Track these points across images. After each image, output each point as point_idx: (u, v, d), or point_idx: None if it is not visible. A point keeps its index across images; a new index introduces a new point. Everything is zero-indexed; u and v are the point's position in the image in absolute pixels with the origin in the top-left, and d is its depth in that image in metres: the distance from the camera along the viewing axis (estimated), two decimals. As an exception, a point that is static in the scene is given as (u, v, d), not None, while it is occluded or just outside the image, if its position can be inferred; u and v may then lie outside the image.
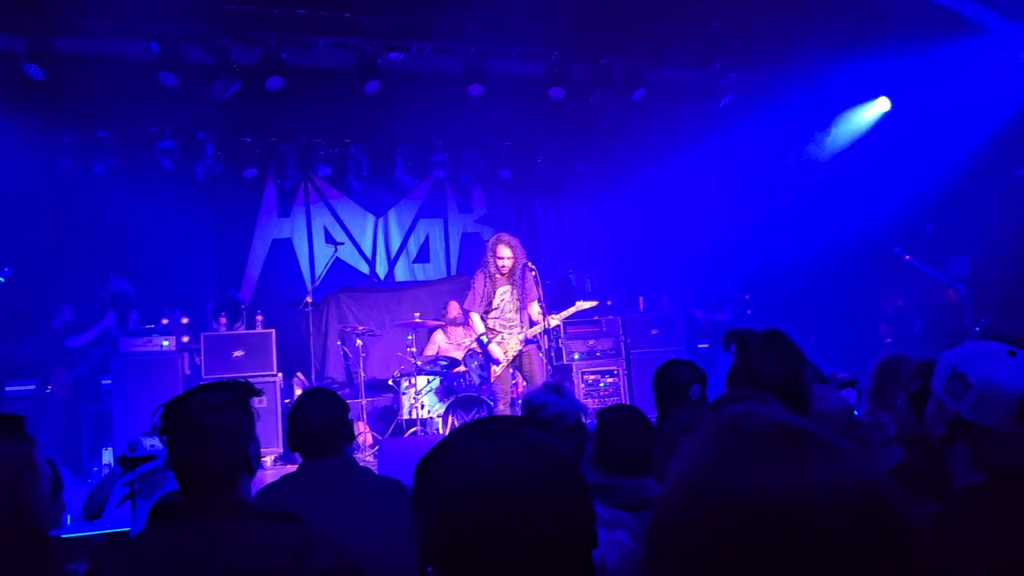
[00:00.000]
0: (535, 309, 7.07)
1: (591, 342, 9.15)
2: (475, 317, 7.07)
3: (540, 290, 7.13)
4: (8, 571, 1.95)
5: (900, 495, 0.72)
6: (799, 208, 9.66)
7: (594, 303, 7.52)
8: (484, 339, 7.01)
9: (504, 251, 6.92)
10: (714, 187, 10.22)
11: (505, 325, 7.01)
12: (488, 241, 7.30)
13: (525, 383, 6.99)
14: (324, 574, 1.68)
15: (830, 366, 3.77)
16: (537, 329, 6.96)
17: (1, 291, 6.53)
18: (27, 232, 7.64)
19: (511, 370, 7.12)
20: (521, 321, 6.96)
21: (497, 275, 6.95)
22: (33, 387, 7.87)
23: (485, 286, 7.00)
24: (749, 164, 10.03)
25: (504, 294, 7.01)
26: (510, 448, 1.01)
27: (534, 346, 7.00)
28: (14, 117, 7.46)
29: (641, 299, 9.80)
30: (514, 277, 6.93)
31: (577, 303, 7.36)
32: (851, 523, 0.69)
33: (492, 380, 7.13)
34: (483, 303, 7.00)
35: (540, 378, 6.86)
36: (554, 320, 7.13)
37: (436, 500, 1.01)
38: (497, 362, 7.00)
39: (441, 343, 8.73)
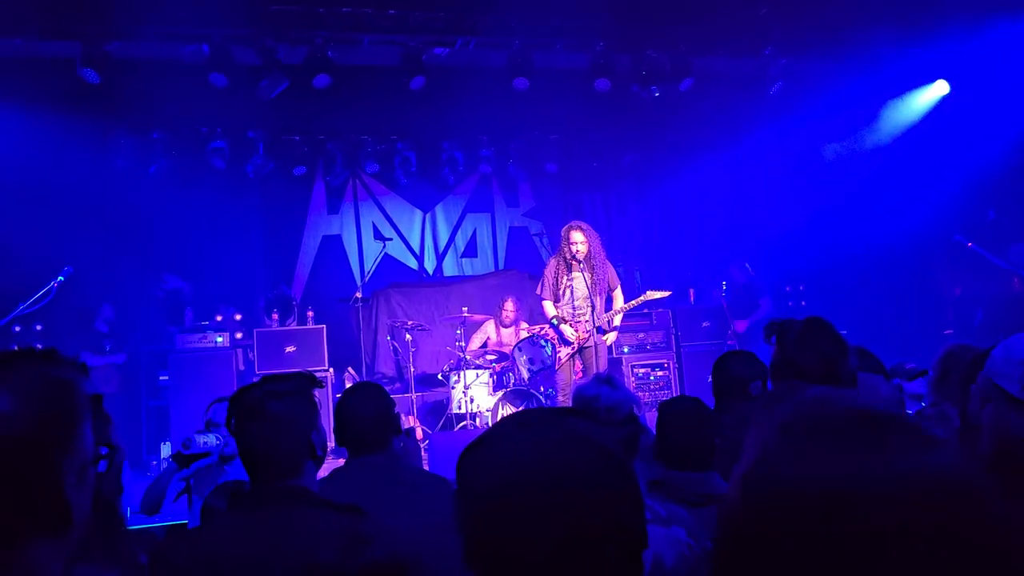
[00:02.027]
0: (619, 295, 7.10)
1: (641, 335, 9.08)
2: (547, 303, 7.11)
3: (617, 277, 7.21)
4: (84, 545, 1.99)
5: (994, 490, 0.67)
6: (856, 196, 9.43)
7: (666, 293, 7.42)
8: (555, 321, 7.01)
9: (577, 236, 6.88)
10: (766, 176, 10.03)
11: (572, 313, 6.98)
12: (560, 231, 7.27)
13: (583, 372, 6.94)
14: (377, 566, 1.67)
15: (890, 357, 3.66)
16: (612, 314, 6.97)
17: (61, 290, 6.71)
18: (85, 232, 7.84)
19: (574, 361, 7.07)
20: (593, 307, 6.90)
21: (572, 262, 6.92)
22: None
23: (556, 273, 7.02)
24: (802, 152, 9.82)
25: (573, 281, 6.97)
26: (551, 439, 0.99)
27: (602, 337, 6.99)
28: (72, 120, 7.67)
29: (691, 291, 9.67)
30: (589, 263, 6.89)
31: (647, 292, 7.28)
32: (935, 516, 0.64)
33: (557, 368, 7.11)
34: (552, 291, 7.03)
35: (602, 367, 6.92)
36: (617, 315, 7.11)
37: (475, 491, 0.99)
38: (569, 343, 6.96)
39: (491, 334, 8.72)
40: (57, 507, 1.08)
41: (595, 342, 6.82)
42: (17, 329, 7.58)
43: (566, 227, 7.04)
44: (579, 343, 6.95)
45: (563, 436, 0.99)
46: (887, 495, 0.65)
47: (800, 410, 0.75)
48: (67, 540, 1.10)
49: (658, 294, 7.28)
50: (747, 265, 9.09)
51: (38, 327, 7.94)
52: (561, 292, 7.00)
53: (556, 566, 0.92)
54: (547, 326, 7.23)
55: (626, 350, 8.87)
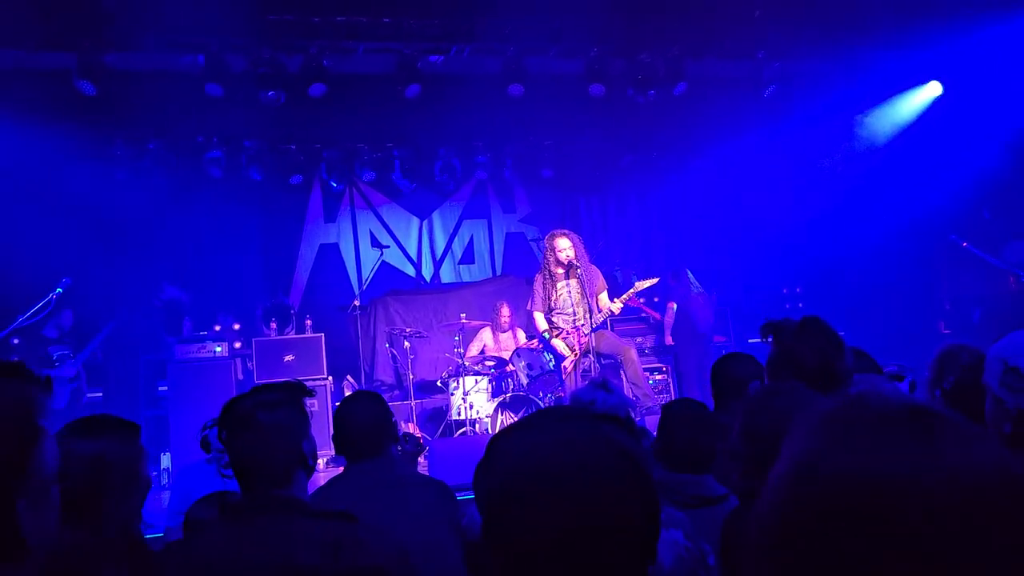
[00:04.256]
0: (605, 298, 7.16)
1: (639, 339, 9.09)
2: (538, 316, 7.21)
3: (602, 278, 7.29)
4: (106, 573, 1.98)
5: None
6: (851, 197, 9.46)
7: (654, 280, 7.49)
8: (546, 335, 7.11)
9: (562, 243, 7.01)
10: (762, 179, 10.06)
11: (567, 321, 7.08)
12: (543, 239, 7.43)
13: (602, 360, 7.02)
14: (359, 571, 1.67)
15: (886, 358, 3.67)
16: (601, 317, 7.05)
17: (60, 302, 6.72)
18: (83, 243, 7.84)
19: (576, 366, 7.14)
20: (588, 311, 6.97)
21: (557, 269, 7.02)
22: (101, 394, 8.05)
23: (544, 285, 7.12)
24: (797, 154, 9.86)
25: (563, 289, 7.08)
26: (584, 438, 1.01)
27: (603, 329, 7.09)
28: (70, 132, 7.68)
29: (688, 295, 9.68)
30: (576, 270, 6.97)
31: (636, 283, 7.34)
32: (988, 511, 0.64)
33: (563, 377, 7.20)
34: (544, 303, 7.11)
35: (628, 347, 7.15)
36: (616, 305, 7.16)
37: (500, 470, 1.02)
38: (563, 357, 7.07)
39: (487, 341, 8.73)
40: (8, 533, 1.02)
41: (591, 346, 6.88)
42: (16, 342, 7.58)
43: (549, 235, 7.22)
44: (574, 358, 7.02)
45: (597, 438, 1.01)
46: (945, 485, 0.65)
47: (847, 404, 0.75)
48: (26, 564, 1.04)
49: (647, 283, 7.35)
50: (688, 272, 9.05)
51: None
52: (553, 302, 7.08)
53: (561, 556, 0.95)
54: (538, 342, 7.35)
55: (624, 354, 8.87)
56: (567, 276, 7.07)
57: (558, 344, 7.08)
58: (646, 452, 1.06)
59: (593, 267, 7.28)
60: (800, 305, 9.72)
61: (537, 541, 0.96)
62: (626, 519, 0.97)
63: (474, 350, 8.63)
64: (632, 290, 7.29)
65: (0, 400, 1.09)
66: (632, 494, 0.99)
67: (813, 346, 2.33)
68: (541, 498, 0.96)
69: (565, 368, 7.15)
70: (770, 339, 2.48)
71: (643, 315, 9.08)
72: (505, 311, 8.67)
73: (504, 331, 8.70)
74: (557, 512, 0.95)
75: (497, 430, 7.04)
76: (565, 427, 1.03)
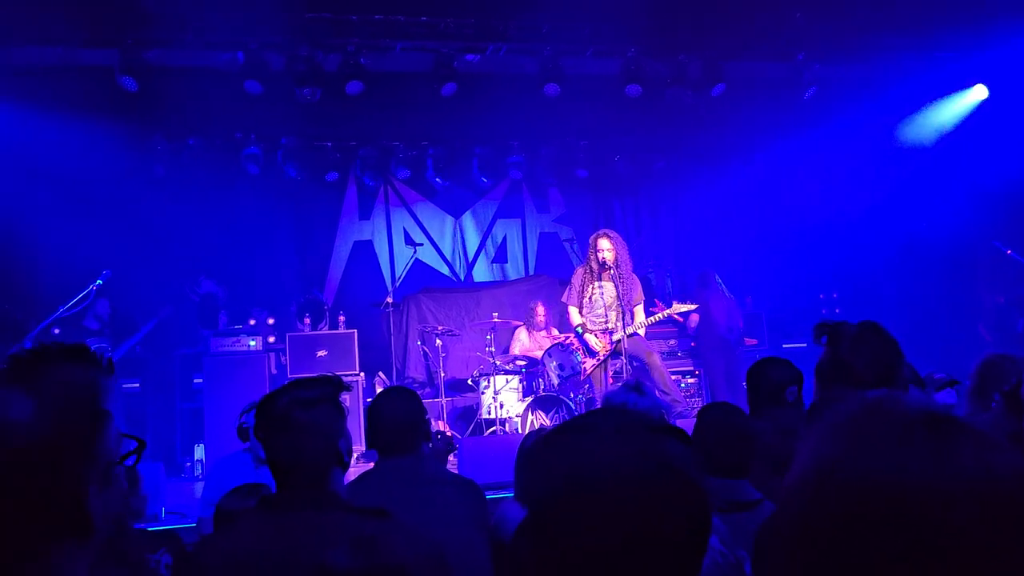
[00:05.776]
0: (640, 312, 7.16)
1: (672, 342, 9.04)
2: (572, 310, 7.22)
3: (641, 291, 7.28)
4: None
5: None
6: (892, 202, 9.30)
7: (692, 307, 7.49)
8: (580, 330, 7.11)
9: (603, 243, 7.02)
10: (800, 182, 9.93)
11: (595, 322, 7.06)
12: (576, 239, 7.45)
13: (614, 379, 6.99)
14: (390, 569, 1.68)
15: (927, 367, 3.60)
16: (631, 330, 6.98)
17: (100, 293, 6.84)
18: (123, 236, 7.98)
19: (605, 367, 7.13)
20: (620, 317, 6.94)
21: (599, 269, 7.02)
22: (138, 385, 8.19)
23: (582, 281, 7.13)
24: (837, 158, 9.71)
25: (597, 290, 7.07)
26: (647, 461, 0.99)
27: (636, 336, 7.07)
28: (111, 127, 7.82)
29: (722, 298, 9.59)
30: (615, 273, 6.96)
31: (674, 304, 7.34)
32: (1005, 517, 0.64)
33: (583, 377, 7.18)
34: (579, 298, 7.12)
35: (652, 352, 7.11)
36: (649, 320, 7.16)
37: (553, 473, 1.01)
38: (595, 353, 7.05)
39: (524, 340, 8.74)
40: (79, 515, 1.04)
41: (623, 348, 6.86)
42: (56, 331, 7.74)
43: (594, 235, 7.24)
44: (604, 353, 7.01)
45: (659, 463, 0.99)
46: (961, 493, 0.65)
47: (869, 407, 0.75)
48: (91, 544, 1.06)
49: (684, 307, 7.32)
50: (716, 277, 8.91)
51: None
52: (587, 299, 7.08)
53: (604, 566, 0.94)
54: (573, 336, 7.32)
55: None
56: (600, 277, 7.07)
57: (591, 339, 7.06)
58: (701, 468, 1.03)
59: (634, 276, 7.23)
60: (837, 311, 9.57)
61: (582, 550, 0.95)
62: (674, 536, 0.97)
63: (517, 350, 8.65)
64: (670, 310, 7.30)
65: (70, 386, 1.10)
66: (683, 513, 0.98)
67: (871, 358, 2.23)
68: (591, 509, 0.95)
69: (585, 369, 7.15)
70: (824, 340, 2.38)
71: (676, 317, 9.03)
72: (540, 309, 8.69)
73: (539, 330, 8.71)
74: (606, 524, 0.95)
75: (527, 430, 7.04)
76: (622, 439, 1.01)
